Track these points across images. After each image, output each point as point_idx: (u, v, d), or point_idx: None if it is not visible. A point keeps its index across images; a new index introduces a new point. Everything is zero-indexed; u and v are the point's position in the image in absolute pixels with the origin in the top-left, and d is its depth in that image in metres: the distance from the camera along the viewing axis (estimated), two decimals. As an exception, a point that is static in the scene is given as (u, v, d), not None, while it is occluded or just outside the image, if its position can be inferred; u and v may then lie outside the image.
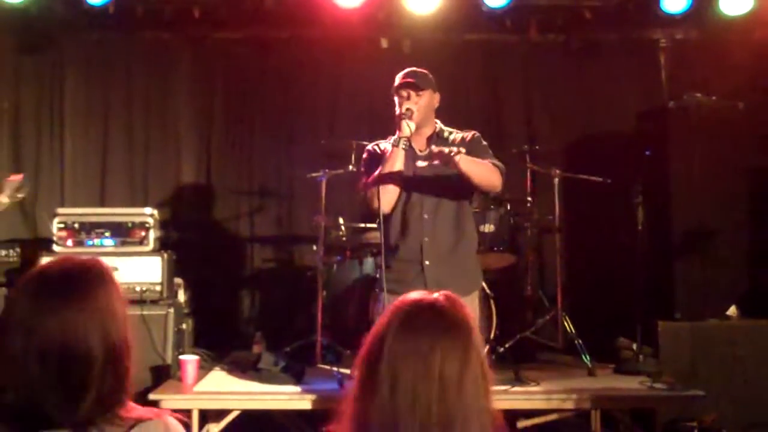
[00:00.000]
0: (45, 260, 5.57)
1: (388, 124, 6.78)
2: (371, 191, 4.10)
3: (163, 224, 5.93)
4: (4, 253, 5.97)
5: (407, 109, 4.06)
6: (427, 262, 4.14)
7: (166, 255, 5.61)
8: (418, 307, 1.78)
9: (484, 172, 4.04)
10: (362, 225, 6.25)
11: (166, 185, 7.09)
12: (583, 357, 5.36)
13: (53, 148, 7.03)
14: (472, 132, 4.30)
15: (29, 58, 7.02)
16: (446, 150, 3.86)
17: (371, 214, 6.07)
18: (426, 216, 4.17)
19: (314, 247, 6.11)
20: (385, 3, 6.38)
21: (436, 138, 4.26)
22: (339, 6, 6.20)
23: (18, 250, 6.04)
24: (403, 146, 4.05)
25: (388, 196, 4.12)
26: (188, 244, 6.72)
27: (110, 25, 6.69)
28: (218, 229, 7.10)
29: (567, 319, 5.66)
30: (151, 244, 5.64)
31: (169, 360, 5.28)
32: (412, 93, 4.16)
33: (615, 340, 5.67)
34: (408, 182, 4.17)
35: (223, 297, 6.85)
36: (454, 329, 1.74)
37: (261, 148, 7.16)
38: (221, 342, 6.21)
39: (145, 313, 5.32)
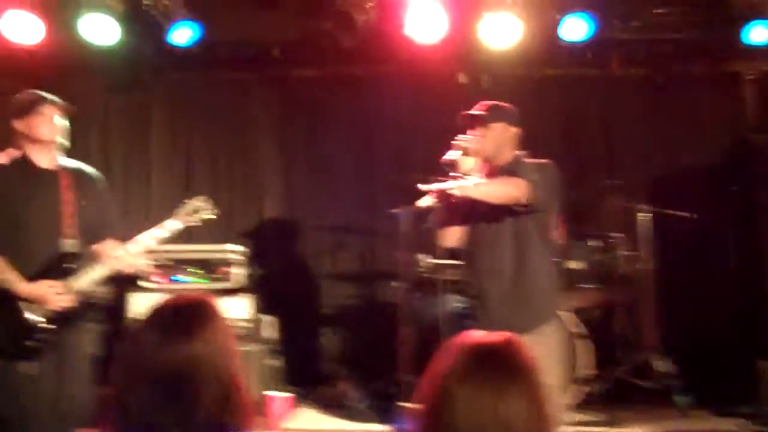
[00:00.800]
0: (133, 296, 5.72)
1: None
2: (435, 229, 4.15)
3: (247, 261, 6.02)
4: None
5: (458, 146, 4.05)
6: (489, 296, 4.08)
7: (251, 292, 5.68)
8: (479, 351, 1.77)
9: (496, 190, 3.96)
10: (444, 261, 6.24)
11: (250, 222, 7.22)
12: (679, 398, 5.23)
13: (140, 186, 7.23)
14: (545, 162, 4.17)
15: (117, 98, 7.24)
16: (436, 187, 3.91)
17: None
18: (486, 249, 4.11)
19: (396, 284, 6.12)
20: (464, 38, 6.38)
21: (501, 171, 4.11)
22: (417, 42, 6.23)
23: (107, 286, 6.16)
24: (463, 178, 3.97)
25: (450, 232, 4.14)
26: (272, 281, 6.80)
27: (194, 66, 6.85)
28: (302, 265, 7.18)
29: (661, 358, 5.54)
30: (237, 281, 5.73)
31: (256, 397, 5.33)
32: (479, 127, 4.09)
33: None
34: (469, 216, 4.12)
35: (307, 333, 6.91)
36: (518, 374, 1.73)
37: (342, 185, 7.24)
38: (307, 379, 6.26)
39: (232, 349, 5.38)
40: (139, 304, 5.71)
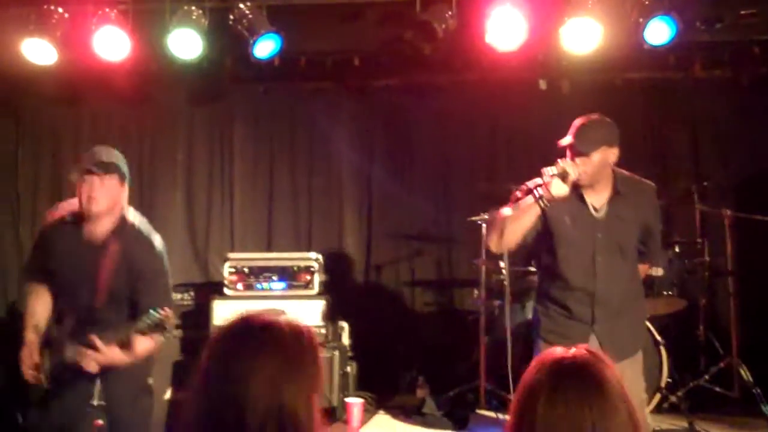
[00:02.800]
0: (217, 303, 5.84)
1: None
2: (490, 232, 3.93)
3: (326, 268, 6.09)
4: (179, 296, 6.28)
5: (561, 170, 3.69)
6: (597, 319, 3.85)
7: (330, 298, 5.75)
8: (566, 366, 1.76)
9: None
10: (524, 268, 6.20)
11: (330, 230, 7.31)
12: (762, 407, 5.10)
13: (224, 196, 7.38)
14: (652, 189, 3.98)
15: (201, 110, 7.42)
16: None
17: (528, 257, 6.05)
18: (599, 273, 3.84)
19: (475, 291, 6.11)
20: (544, 44, 6.31)
21: (616, 196, 3.87)
22: (497, 49, 6.20)
23: (192, 293, 6.34)
24: (544, 205, 3.71)
25: (507, 243, 3.80)
26: (351, 288, 6.87)
27: (275, 77, 6.95)
28: (380, 272, 7.24)
29: (743, 366, 5.40)
30: (316, 288, 5.81)
31: (335, 402, 5.39)
32: (578, 157, 3.78)
33: None
34: (581, 247, 3.86)
35: (385, 340, 6.91)
36: (604, 388, 1.71)
37: (421, 192, 7.25)
38: (385, 386, 6.29)
39: (311, 355, 5.45)
40: (223, 312, 5.82)
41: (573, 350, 1.81)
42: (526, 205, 3.78)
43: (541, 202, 3.69)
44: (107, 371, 3.75)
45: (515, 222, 3.77)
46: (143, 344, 3.69)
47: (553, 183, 3.68)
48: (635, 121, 6.99)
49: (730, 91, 6.77)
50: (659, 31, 5.76)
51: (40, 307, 3.94)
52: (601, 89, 6.73)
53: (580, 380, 1.72)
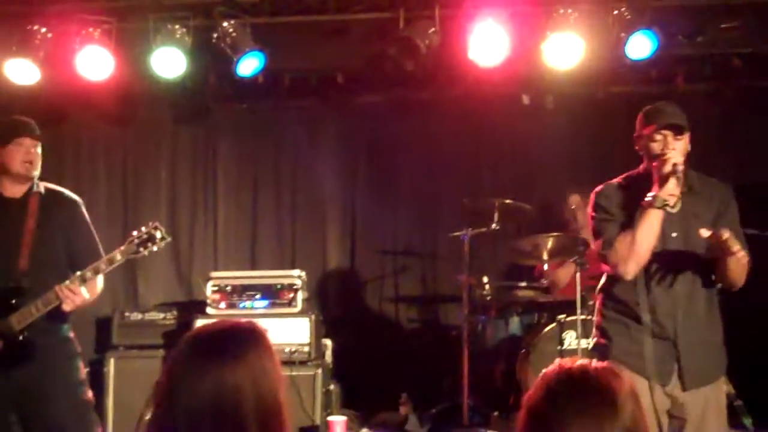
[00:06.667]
0: (200, 322, 5.81)
1: (531, 180, 6.82)
2: (623, 262, 3.42)
3: (310, 285, 6.06)
4: (161, 316, 6.24)
5: (675, 164, 3.32)
6: (681, 342, 3.45)
7: (313, 316, 5.72)
8: (579, 381, 1.72)
9: (739, 271, 3.45)
10: (507, 283, 6.19)
11: (314, 247, 7.27)
12: (743, 419, 5.08)
13: (207, 215, 7.34)
14: (729, 189, 3.68)
15: (184, 129, 7.40)
16: (728, 245, 3.21)
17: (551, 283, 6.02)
18: (679, 288, 3.47)
19: (459, 307, 6.09)
20: (526, 59, 6.32)
21: (689, 193, 3.51)
22: (479, 65, 6.21)
23: (175, 313, 6.29)
24: (665, 206, 3.36)
25: (642, 261, 3.42)
26: (334, 305, 6.84)
27: (259, 95, 6.94)
28: (363, 289, 7.20)
29: (726, 378, 5.38)
30: (299, 306, 5.78)
31: (317, 421, 5.35)
32: (670, 137, 3.44)
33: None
34: (657, 247, 3.47)
35: (368, 357, 6.86)
36: (620, 402, 1.68)
37: (405, 208, 7.24)
38: (368, 403, 6.25)
39: (293, 373, 5.43)
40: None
41: (585, 362, 1.77)
42: (647, 217, 3.37)
43: (662, 203, 3.34)
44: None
45: (646, 240, 3.38)
46: (100, 283, 3.94)
47: (670, 182, 3.34)
48: (618, 135, 6.94)
49: (713, 104, 6.78)
50: (641, 45, 5.78)
51: None
52: (584, 104, 6.75)
53: (600, 394, 1.68)
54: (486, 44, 5.79)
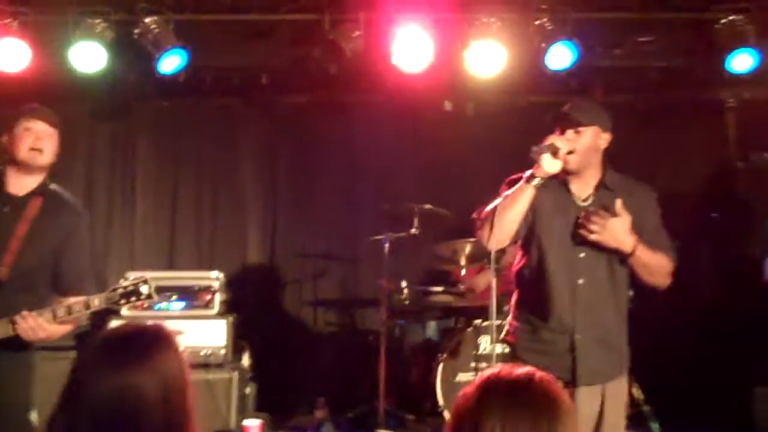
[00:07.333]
0: (114, 324, 5.69)
1: (452, 187, 6.87)
2: (482, 227, 3.48)
3: (228, 287, 6.00)
4: (75, 317, 6.08)
5: (550, 144, 3.40)
6: (578, 336, 3.47)
7: (231, 318, 5.66)
8: (514, 387, 1.72)
9: (656, 268, 3.49)
10: (424, 288, 6.23)
11: (233, 248, 7.21)
12: (650, 424, 5.21)
13: (124, 213, 7.22)
14: (648, 191, 3.72)
15: (103, 125, 7.25)
16: (623, 239, 3.32)
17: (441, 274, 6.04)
18: (581, 281, 3.49)
19: (377, 311, 6.10)
20: (449, 67, 6.38)
21: (604, 189, 3.57)
22: (403, 71, 6.24)
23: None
24: (536, 184, 3.40)
25: (502, 234, 3.43)
26: (253, 308, 6.78)
27: (180, 93, 6.86)
28: (283, 292, 7.17)
29: (636, 384, 5.51)
30: (216, 308, 5.71)
31: (232, 425, 5.30)
32: (569, 130, 3.51)
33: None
34: (562, 237, 3.52)
35: (286, 361, 6.83)
36: (555, 409, 1.70)
37: (326, 212, 7.23)
38: (284, 406, 6.22)
39: (209, 377, 5.36)
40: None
41: (517, 370, 1.77)
42: (517, 188, 3.45)
43: (533, 181, 3.40)
44: None
45: (508, 210, 3.43)
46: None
47: (543, 159, 3.38)
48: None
49: (629, 115, 6.92)
50: (561, 56, 5.88)
51: None
52: (505, 112, 6.83)
53: (533, 400, 1.70)
54: (409, 50, 5.82)
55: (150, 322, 2.00)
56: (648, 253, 3.45)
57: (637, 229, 3.47)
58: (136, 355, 1.85)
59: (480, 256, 5.91)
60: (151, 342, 1.91)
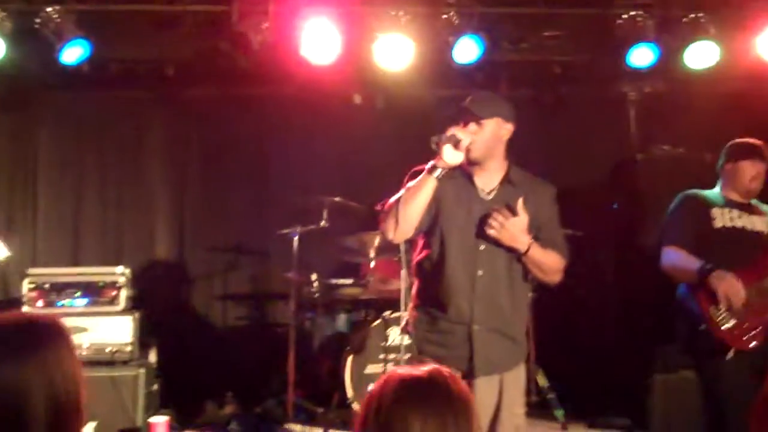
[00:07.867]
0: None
1: (361, 179, 6.89)
2: (386, 219, 3.49)
3: (135, 282, 5.90)
4: (-28, 315, 5.90)
5: (451, 135, 3.39)
6: (476, 327, 3.51)
7: (137, 314, 5.57)
8: (421, 384, 1.74)
9: (548, 267, 3.56)
10: (334, 281, 6.24)
11: (140, 243, 7.08)
12: (555, 411, 5.33)
13: (26, 206, 7.01)
14: (548, 188, 3.79)
15: (3, 116, 7.03)
16: (519, 237, 3.39)
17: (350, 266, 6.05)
18: (480, 272, 3.52)
19: (287, 305, 6.09)
20: (358, 60, 6.40)
21: (507, 184, 3.63)
22: (312, 63, 6.22)
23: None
24: (437, 175, 3.41)
25: (406, 225, 3.46)
26: (161, 303, 6.68)
27: (84, 84, 6.69)
28: (192, 286, 7.08)
29: (540, 371, 5.64)
30: (122, 304, 5.61)
31: (139, 422, 5.21)
32: (471, 123, 3.53)
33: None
34: (463, 229, 3.55)
35: (195, 356, 6.73)
36: (460, 405, 1.72)
37: (235, 206, 7.15)
38: (193, 402, 6.15)
39: (115, 374, 5.26)
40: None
41: (420, 367, 1.79)
42: (419, 180, 3.46)
43: (434, 172, 3.41)
44: None
45: (410, 202, 3.45)
46: None
47: (444, 150, 3.38)
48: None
49: (533, 109, 7.06)
50: (468, 50, 5.95)
51: None
52: (414, 105, 6.87)
53: (441, 398, 1.71)
54: (318, 42, 5.82)
55: (43, 314, 1.92)
56: (541, 252, 3.52)
57: (534, 225, 3.54)
58: (23, 347, 1.78)
59: (389, 248, 5.94)
60: (42, 336, 1.83)
